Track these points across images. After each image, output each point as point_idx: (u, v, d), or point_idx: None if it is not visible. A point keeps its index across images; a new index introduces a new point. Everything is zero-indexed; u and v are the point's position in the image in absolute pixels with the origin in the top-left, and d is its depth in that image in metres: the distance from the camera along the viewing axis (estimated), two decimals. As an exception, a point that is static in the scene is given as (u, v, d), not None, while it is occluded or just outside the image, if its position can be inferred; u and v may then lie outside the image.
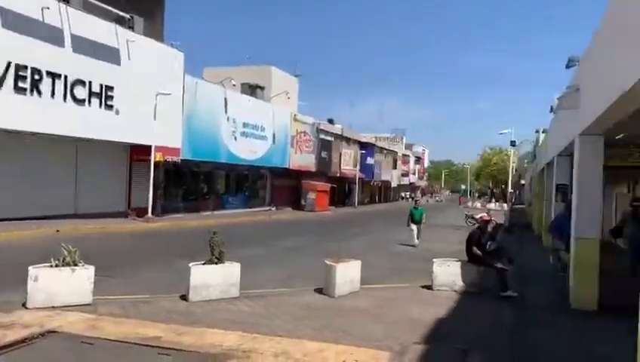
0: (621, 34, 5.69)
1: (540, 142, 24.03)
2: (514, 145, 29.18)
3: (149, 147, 21.80)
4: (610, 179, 16.65)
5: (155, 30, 24.20)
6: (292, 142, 35.84)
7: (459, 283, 9.74)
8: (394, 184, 65.47)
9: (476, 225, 10.17)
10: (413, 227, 16.96)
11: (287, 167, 35.45)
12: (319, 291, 8.84)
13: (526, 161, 50.07)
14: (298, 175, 37.49)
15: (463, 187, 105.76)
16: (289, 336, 6.12)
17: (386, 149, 59.87)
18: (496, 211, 41.72)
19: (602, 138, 8.16)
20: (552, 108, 14.26)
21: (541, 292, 9.82)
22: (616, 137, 11.02)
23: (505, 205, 51.58)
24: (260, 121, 31.88)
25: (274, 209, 33.91)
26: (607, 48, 6.59)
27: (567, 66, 9.14)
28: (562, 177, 13.36)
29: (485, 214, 10.50)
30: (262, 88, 34.43)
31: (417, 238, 16.94)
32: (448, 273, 9.83)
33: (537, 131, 26.78)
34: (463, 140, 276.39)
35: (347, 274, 8.96)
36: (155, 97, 21.58)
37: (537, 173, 23.11)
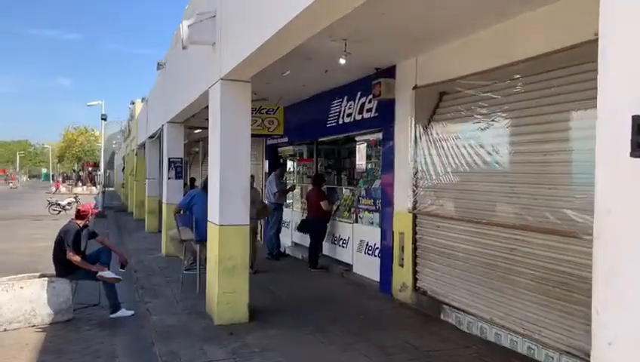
0: None
1: (137, 113, 21.34)
2: (105, 120, 25.57)
3: None
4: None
5: None
6: None
7: (42, 313, 6.07)
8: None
9: (73, 218, 6.68)
10: None
11: None
12: None
13: (114, 142, 46.78)
14: None
15: (44, 171, 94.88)
16: None
17: None
18: (85, 195, 37.43)
19: (250, 85, 6.00)
20: (159, 64, 11.68)
21: (168, 302, 7.03)
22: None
23: (94, 188, 47.30)
24: None
25: None
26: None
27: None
28: (175, 150, 11.04)
29: (85, 203, 7.04)
30: None
31: None
32: (22, 299, 6.01)
33: (133, 103, 23.98)
34: (44, 118, 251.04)
35: None
36: None
37: (136, 149, 20.40)
